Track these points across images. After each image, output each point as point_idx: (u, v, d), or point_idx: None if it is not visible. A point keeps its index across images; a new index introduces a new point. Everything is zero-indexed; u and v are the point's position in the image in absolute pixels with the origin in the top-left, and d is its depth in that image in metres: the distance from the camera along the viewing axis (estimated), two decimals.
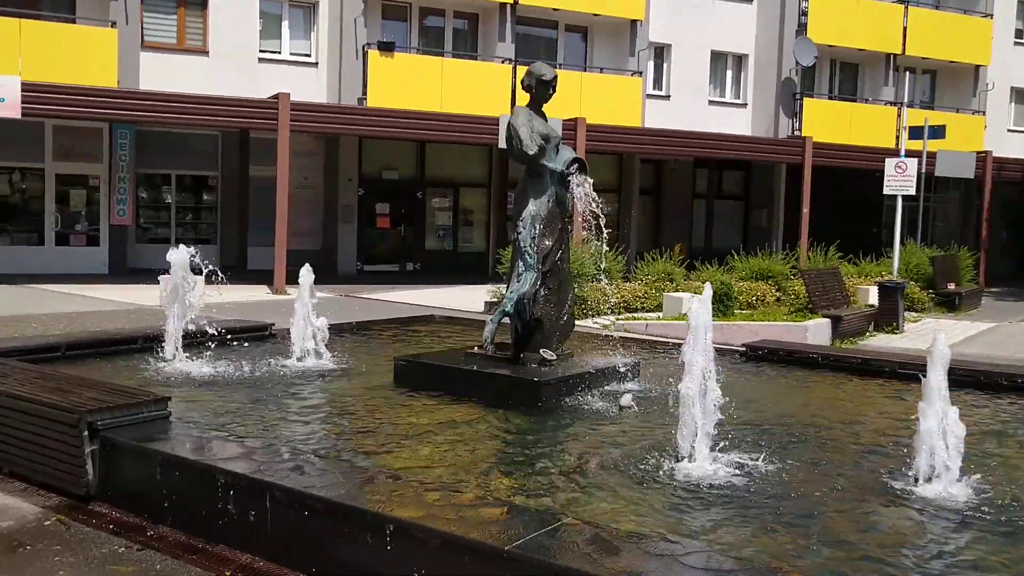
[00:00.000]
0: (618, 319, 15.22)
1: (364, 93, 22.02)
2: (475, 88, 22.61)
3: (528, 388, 6.86)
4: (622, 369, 7.59)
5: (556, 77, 7.66)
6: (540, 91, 7.62)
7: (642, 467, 5.34)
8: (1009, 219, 32.12)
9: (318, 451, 5.46)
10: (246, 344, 8.73)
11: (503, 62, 23.52)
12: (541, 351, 7.40)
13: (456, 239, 25.11)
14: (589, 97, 23.56)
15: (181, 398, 6.44)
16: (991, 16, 31.07)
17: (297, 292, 8.45)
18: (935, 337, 5.13)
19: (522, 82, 7.72)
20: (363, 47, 22.17)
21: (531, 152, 7.33)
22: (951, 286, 20.25)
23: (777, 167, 27.65)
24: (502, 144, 20.80)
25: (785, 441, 6.12)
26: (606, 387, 7.30)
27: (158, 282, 15.81)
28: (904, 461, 5.35)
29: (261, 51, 22.42)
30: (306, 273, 8.37)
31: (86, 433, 5.25)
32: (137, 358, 8.02)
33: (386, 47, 22.10)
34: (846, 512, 4.74)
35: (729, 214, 29.15)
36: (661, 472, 5.24)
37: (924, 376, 5.09)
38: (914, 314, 18.18)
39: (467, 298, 18.26)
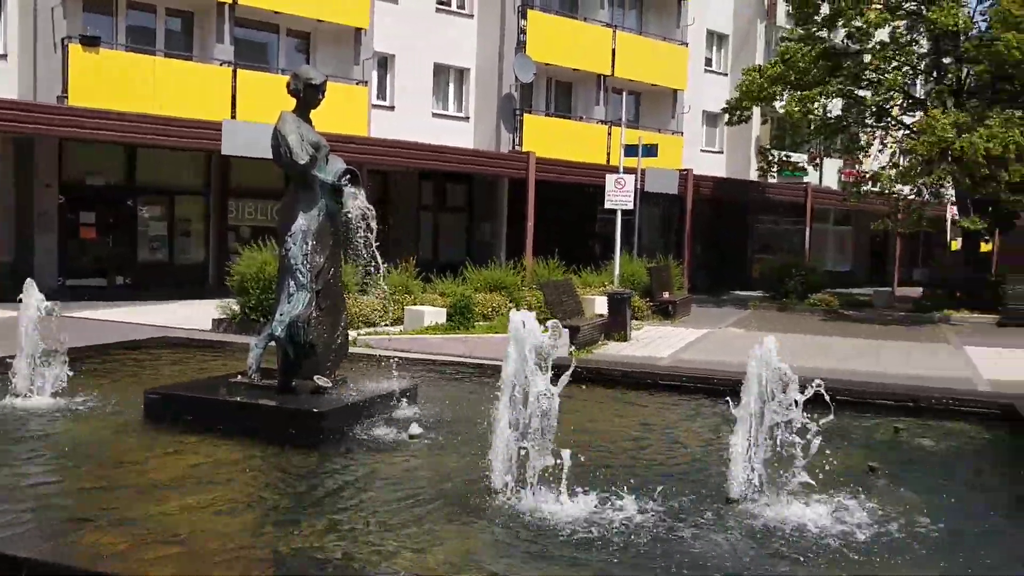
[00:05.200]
0: (360, 334, 14.72)
1: (65, 91, 19.92)
2: (192, 91, 21.16)
3: (307, 420, 6.26)
4: (402, 393, 7.16)
5: (326, 81, 7.13)
6: (309, 96, 7.04)
7: (465, 504, 4.95)
8: (704, 232, 34.90)
9: (72, 514, 4.61)
10: None
11: (222, 65, 22.22)
12: (315, 378, 6.81)
13: (172, 251, 23.35)
14: None
15: None
16: (687, 45, 33.64)
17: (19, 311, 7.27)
18: (756, 350, 5.11)
19: (287, 86, 7.10)
20: (63, 40, 20.05)
21: (302, 162, 6.75)
22: (666, 295, 21.54)
23: (500, 181, 28.22)
24: (226, 150, 19.71)
25: (626, 466, 5.93)
26: (389, 414, 6.84)
27: None
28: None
29: None
30: (31, 289, 7.20)
31: None
32: None
33: (90, 42, 20.12)
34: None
35: (454, 227, 29.41)
36: (492, 509, 4.87)
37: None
38: (636, 322, 19.07)
39: (190, 315, 16.99)
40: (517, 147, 28.05)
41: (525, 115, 28.72)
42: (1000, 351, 17.32)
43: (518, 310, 5.32)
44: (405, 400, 7.16)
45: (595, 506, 4.90)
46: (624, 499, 4.97)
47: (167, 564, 3.87)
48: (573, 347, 15.05)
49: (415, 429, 6.46)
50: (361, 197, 7.00)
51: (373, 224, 6.95)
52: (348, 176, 6.99)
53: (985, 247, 33.35)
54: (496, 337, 14.45)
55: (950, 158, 22.08)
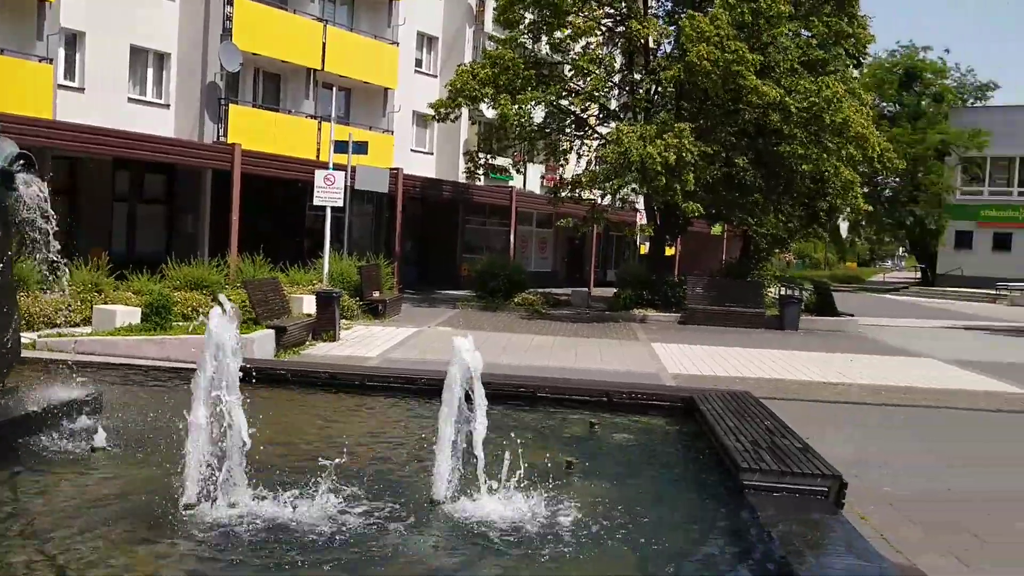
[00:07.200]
0: (40, 336, 13.45)
1: None
2: None
3: None
4: (83, 401, 6.56)
5: None
6: None
7: (152, 520, 4.57)
8: (414, 232, 35.27)
9: None
10: None
11: None
12: None
13: None
14: None
15: None
16: (397, 44, 33.82)
17: None
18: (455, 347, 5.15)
19: None
20: None
21: None
22: (376, 294, 21.49)
23: (203, 172, 26.92)
24: None
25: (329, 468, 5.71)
26: (69, 425, 6.23)
27: None
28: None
29: None
30: None
31: None
32: None
33: None
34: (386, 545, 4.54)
35: (152, 219, 27.70)
36: (182, 523, 4.54)
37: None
38: (346, 321, 18.88)
39: None
40: (222, 138, 26.92)
41: (231, 105, 27.66)
42: (681, 347, 18.84)
43: (219, 303, 5.02)
44: (87, 409, 6.57)
45: (295, 509, 4.73)
46: (329, 502, 4.84)
47: None
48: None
49: (99, 441, 5.93)
50: (36, 185, 6.34)
51: (50, 214, 6.31)
52: (21, 161, 6.31)
53: (669, 251, 36.25)
54: (195, 338, 13.70)
55: (634, 168, 23.71)
